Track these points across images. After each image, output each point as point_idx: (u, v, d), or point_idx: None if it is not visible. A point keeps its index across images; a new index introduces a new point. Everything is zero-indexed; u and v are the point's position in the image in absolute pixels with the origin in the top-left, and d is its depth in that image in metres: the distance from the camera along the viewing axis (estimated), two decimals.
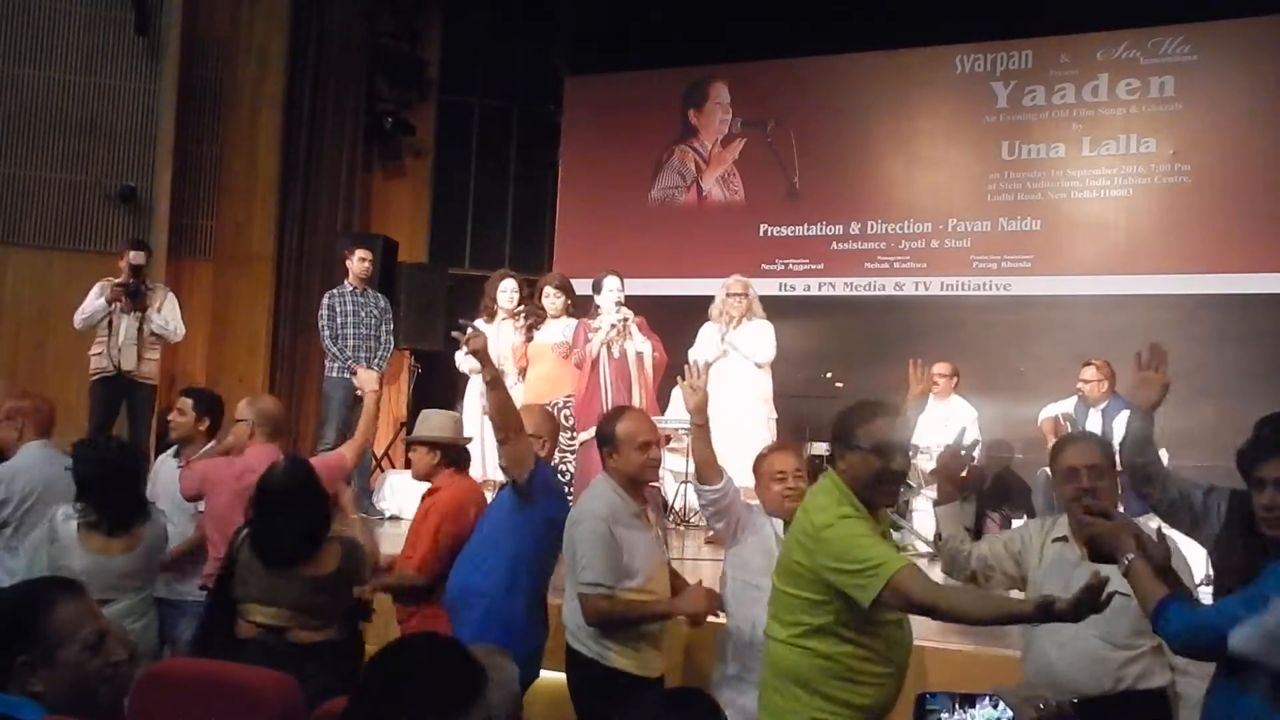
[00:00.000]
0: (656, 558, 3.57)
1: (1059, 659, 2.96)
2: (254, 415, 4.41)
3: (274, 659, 3.31)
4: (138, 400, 6.96)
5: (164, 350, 8.21)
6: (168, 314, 7.12)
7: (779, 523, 3.61)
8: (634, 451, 3.49)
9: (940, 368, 7.61)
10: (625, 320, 6.46)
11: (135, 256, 6.87)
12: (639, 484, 3.57)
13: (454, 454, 4.29)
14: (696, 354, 6.79)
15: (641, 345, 6.51)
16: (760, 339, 6.83)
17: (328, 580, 3.51)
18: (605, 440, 3.57)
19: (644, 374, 6.53)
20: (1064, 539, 3.09)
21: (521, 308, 7.06)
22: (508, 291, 6.84)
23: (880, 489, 2.80)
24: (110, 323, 6.90)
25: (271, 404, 4.58)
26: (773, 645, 2.89)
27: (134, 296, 6.85)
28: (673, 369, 7.67)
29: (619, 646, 3.44)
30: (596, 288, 6.63)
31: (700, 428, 3.77)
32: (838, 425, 2.86)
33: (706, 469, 3.75)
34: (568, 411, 6.43)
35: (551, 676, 3.80)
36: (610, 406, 6.24)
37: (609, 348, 6.42)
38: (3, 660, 2.08)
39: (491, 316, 6.96)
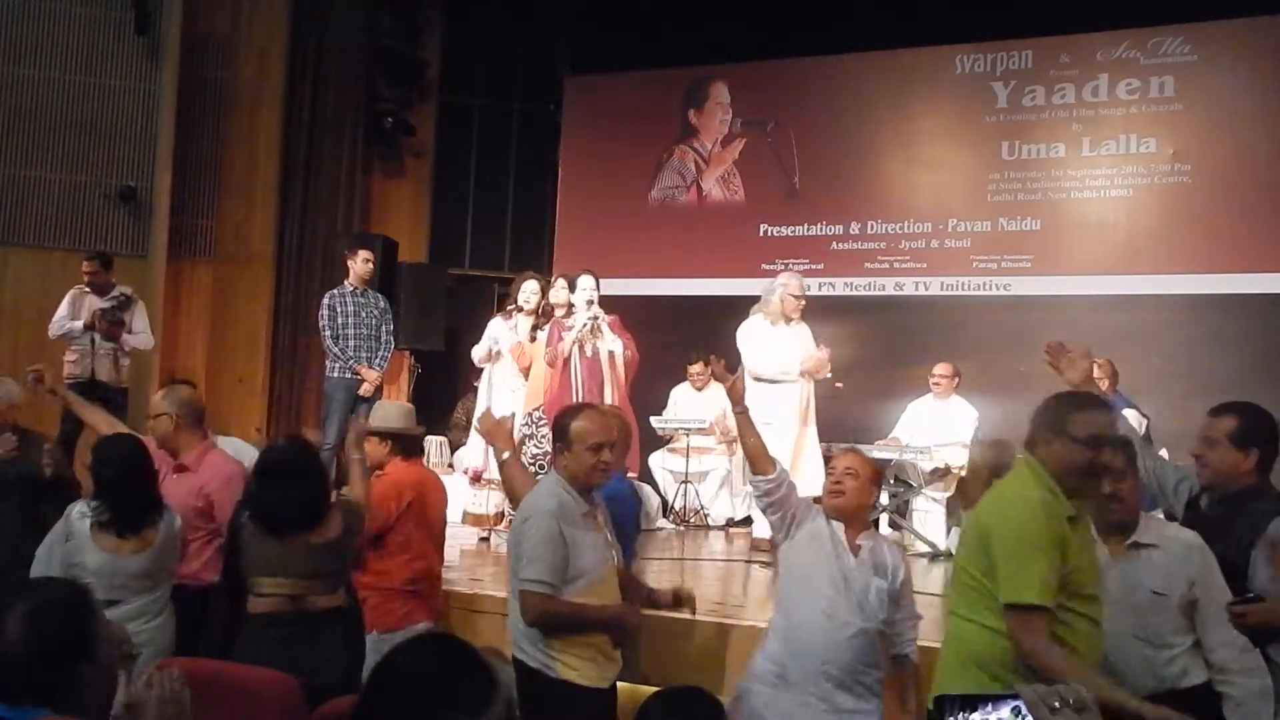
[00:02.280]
0: (606, 562, 3.45)
1: (1110, 660, 2.95)
2: (173, 407, 4.32)
3: (290, 628, 3.42)
4: (110, 406, 6.95)
5: (164, 350, 8.23)
6: (139, 328, 7.17)
7: (839, 525, 3.50)
8: (585, 452, 3.38)
9: (941, 368, 7.61)
10: (595, 319, 6.50)
11: (116, 292, 7.10)
12: (588, 487, 3.46)
13: (405, 443, 4.43)
14: (799, 364, 6.58)
15: (613, 344, 6.55)
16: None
17: (333, 544, 3.62)
18: (559, 435, 3.47)
19: (615, 372, 6.57)
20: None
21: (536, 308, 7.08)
22: (527, 294, 6.86)
23: (1087, 481, 2.76)
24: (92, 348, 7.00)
25: (189, 393, 4.54)
26: (957, 623, 2.84)
27: (111, 336, 6.96)
28: (656, 367, 7.70)
29: (566, 655, 3.28)
30: (571, 286, 6.69)
31: (743, 415, 3.72)
32: (1046, 412, 2.83)
33: (759, 459, 3.63)
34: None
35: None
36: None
37: (581, 346, 6.48)
38: (70, 666, 2.05)
39: (511, 316, 6.97)
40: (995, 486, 2.93)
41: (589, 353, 6.49)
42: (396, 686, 1.79)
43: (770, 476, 3.60)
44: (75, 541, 3.80)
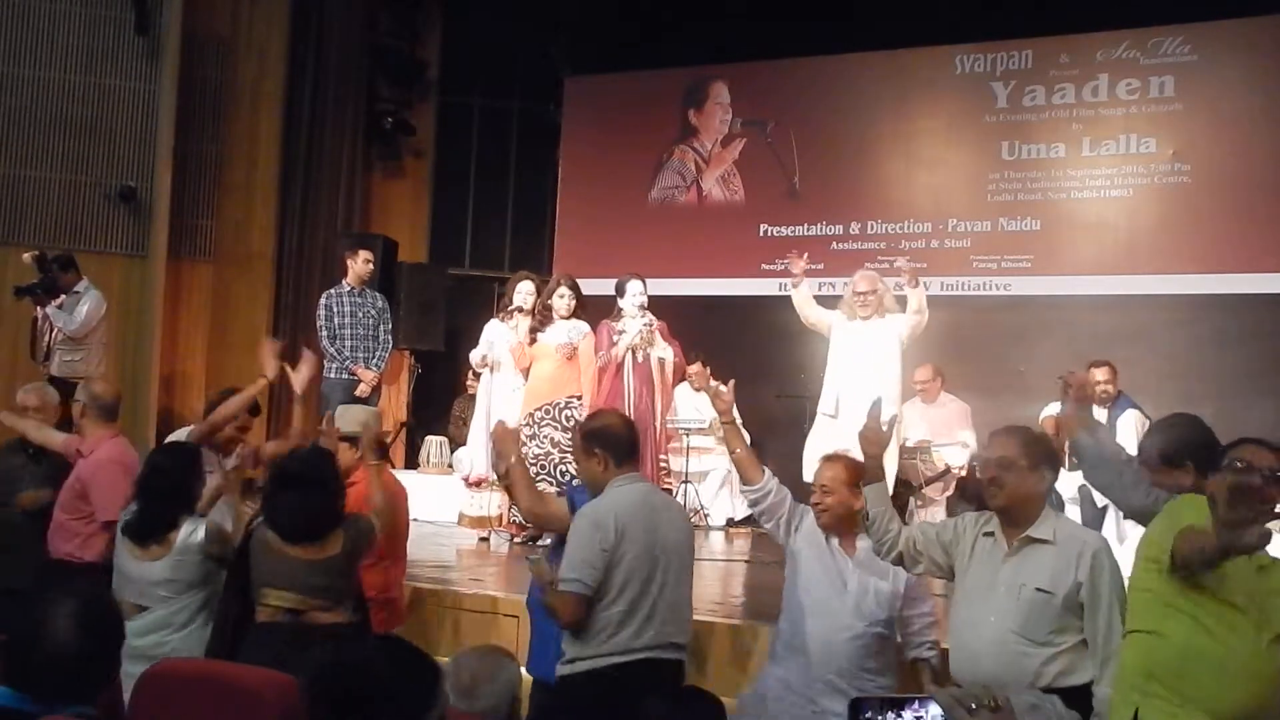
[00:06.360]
0: None
1: (984, 655, 2.96)
2: (82, 396, 4.70)
3: (293, 641, 3.41)
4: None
5: (164, 350, 8.21)
6: (77, 313, 7.11)
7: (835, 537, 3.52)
8: None
9: (922, 372, 7.55)
10: (650, 325, 6.51)
11: (81, 286, 7.17)
12: None
13: (379, 448, 4.37)
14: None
15: (664, 351, 6.57)
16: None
17: (333, 562, 3.61)
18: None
19: (665, 379, 6.60)
20: (991, 534, 3.09)
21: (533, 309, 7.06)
22: (523, 294, 6.85)
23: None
24: (35, 325, 7.14)
25: (103, 388, 4.85)
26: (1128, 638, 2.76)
27: (37, 302, 7.07)
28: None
29: None
30: (620, 290, 6.64)
31: (730, 425, 3.72)
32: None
33: (747, 468, 3.66)
34: (570, 412, 6.43)
35: None
36: (633, 410, 6.25)
37: (634, 352, 6.46)
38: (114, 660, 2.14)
39: (508, 317, 6.95)
40: (1184, 498, 2.87)
41: (640, 358, 6.49)
42: (339, 686, 1.82)
43: (758, 485, 3.62)
44: (118, 544, 3.94)
